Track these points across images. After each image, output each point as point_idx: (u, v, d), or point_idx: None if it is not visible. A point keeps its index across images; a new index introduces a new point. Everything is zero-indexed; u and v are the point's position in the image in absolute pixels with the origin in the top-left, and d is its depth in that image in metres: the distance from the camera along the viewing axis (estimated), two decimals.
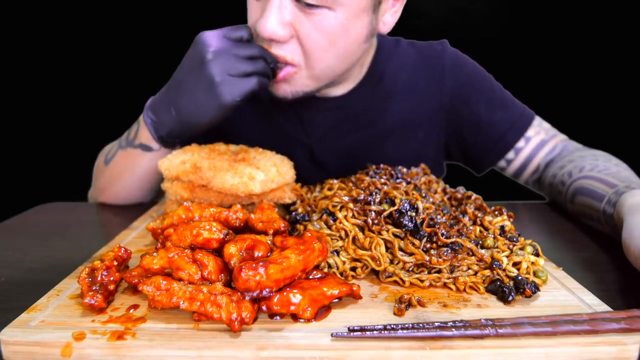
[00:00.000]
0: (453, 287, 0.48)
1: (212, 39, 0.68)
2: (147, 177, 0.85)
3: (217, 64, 0.67)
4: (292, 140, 0.93)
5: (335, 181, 0.66)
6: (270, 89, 0.81)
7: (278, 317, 0.42)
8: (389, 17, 0.81)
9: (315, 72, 0.77)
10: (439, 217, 0.53)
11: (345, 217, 0.54)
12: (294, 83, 0.78)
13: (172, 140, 0.79)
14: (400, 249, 0.50)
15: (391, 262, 0.51)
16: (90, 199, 0.95)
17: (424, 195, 0.59)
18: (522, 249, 0.52)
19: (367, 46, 0.82)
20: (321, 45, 0.73)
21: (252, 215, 0.55)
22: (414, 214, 0.51)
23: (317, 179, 0.79)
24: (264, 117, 0.94)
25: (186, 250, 0.45)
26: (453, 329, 0.38)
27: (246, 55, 0.68)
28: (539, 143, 0.91)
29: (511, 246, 0.52)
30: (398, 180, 0.63)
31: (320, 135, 0.92)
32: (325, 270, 0.50)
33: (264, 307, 0.41)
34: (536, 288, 0.45)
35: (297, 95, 0.81)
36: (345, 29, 0.73)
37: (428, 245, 0.50)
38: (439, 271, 0.49)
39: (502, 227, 0.55)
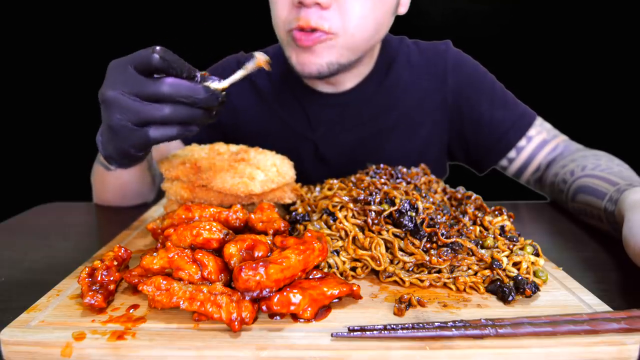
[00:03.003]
0: (453, 287, 0.48)
1: (112, 74, 0.50)
2: (125, 189, 0.83)
3: (109, 108, 0.50)
4: (297, 136, 0.94)
5: (335, 181, 0.65)
6: (296, 68, 0.78)
7: (278, 317, 0.42)
8: None
9: (354, 39, 0.75)
10: (439, 217, 0.53)
11: (345, 217, 0.54)
12: (330, 52, 0.76)
13: (126, 163, 0.58)
14: (400, 249, 0.50)
15: (391, 262, 0.51)
16: None
17: (424, 195, 0.59)
18: (522, 249, 0.52)
19: (391, 22, 0.82)
20: (361, 11, 0.72)
21: (252, 215, 0.55)
22: (414, 214, 0.51)
23: (322, 174, 0.79)
24: (269, 113, 0.95)
25: (186, 250, 0.45)
26: (453, 329, 0.38)
27: (150, 96, 0.49)
28: (541, 142, 0.91)
29: (511, 246, 0.52)
30: (398, 180, 0.63)
31: (325, 131, 0.93)
32: (325, 270, 0.50)
33: (264, 307, 0.41)
34: (536, 288, 0.45)
35: (331, 68, 0.77)
36: None
37: (428, 245, 0.50)
38: (439, 271, 0.49)
39: (502, 227, 0.55)
